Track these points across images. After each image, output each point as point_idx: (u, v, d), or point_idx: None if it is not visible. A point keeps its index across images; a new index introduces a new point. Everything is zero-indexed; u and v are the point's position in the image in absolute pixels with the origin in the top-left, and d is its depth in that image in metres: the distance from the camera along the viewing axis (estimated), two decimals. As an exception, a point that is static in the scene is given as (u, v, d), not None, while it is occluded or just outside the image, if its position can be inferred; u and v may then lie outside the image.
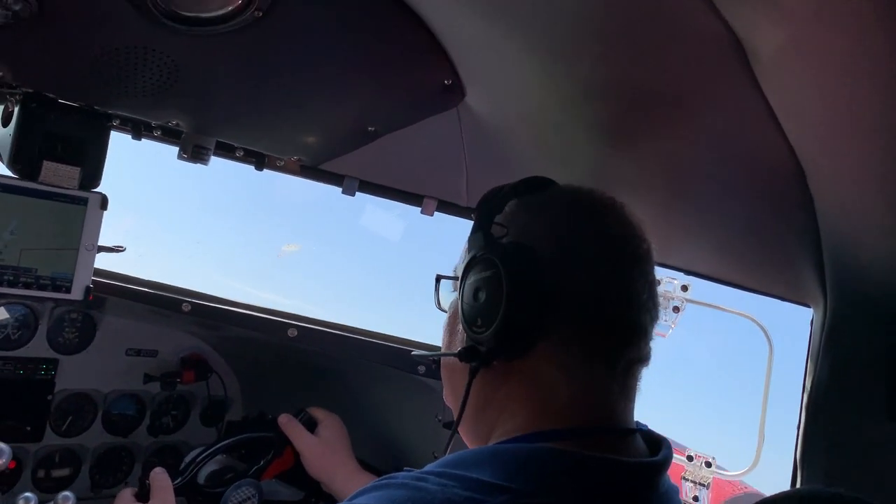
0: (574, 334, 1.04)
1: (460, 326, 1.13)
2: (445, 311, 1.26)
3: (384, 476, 1.01)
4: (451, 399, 1.22)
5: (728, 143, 1.32)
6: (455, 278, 1.19)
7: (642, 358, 1.09)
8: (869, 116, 1.07)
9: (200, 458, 1.97)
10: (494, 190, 1.15)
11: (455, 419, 1.14)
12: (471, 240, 1.11)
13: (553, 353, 1.04)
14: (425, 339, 2.32)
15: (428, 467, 1.03)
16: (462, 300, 1.09)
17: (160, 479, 1.82)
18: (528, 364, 1.05)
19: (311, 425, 2.08)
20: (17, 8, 1.21)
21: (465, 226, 2.12)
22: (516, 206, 1.13)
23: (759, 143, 1.26)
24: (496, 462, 0.97)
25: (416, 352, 1.40)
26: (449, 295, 1.25)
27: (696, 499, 1.84)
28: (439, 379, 2.14)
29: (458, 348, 1.13)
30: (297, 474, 2.10)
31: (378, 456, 2.20)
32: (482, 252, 1.07)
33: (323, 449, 2.02)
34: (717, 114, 1.27)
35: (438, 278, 1.26)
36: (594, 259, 1.07)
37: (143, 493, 1.80)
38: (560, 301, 1.03)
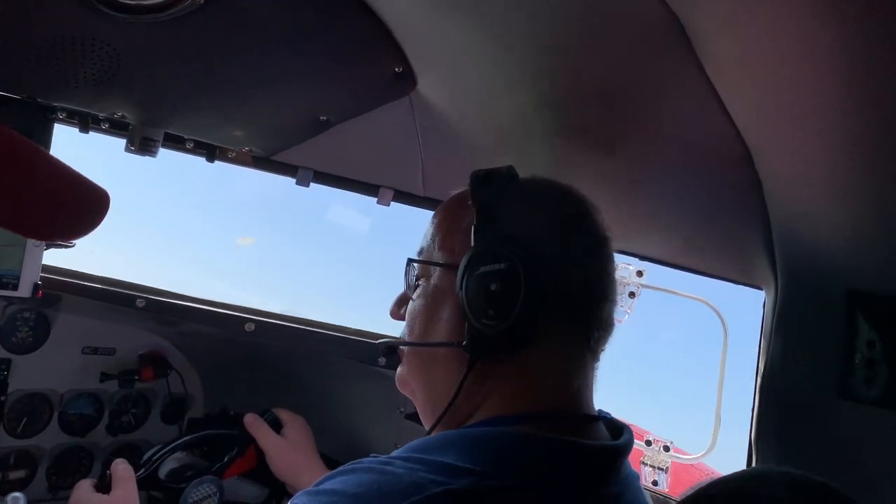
0: (570, 328, 1.09)
1: (444, 315, 1.14)
2: (405, 297, 1.24)
3: (350, 462, 1.01)
4: (417, 387, 1.21)
5: (676, 129, 1.33)
6: (444, 265, 1.16)
7: (604, 349, 1.14)
8: (811, 96, 1.08)
9: (162, 452, 1.95)
10: (487, 177, 1.15)
11: (425, 410, 1.15)
12: (477, 230, 1.09)
13: (549, 345, 1.07)
14: (381, 329, 2.31)
15: (394, 453, 1.03)
16: (466, 291, 1.07)
17: (122, 469, 1.78)
18: (524, 356, 1.06)
19: (276, 426, 2.06)
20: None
21: (421, 214, 2.12)
22: (512, 196, 1.13)
23: (706, 128, 1.27)
24: (462, 445, 0.98)
25: (382, 341, 1.37)
26: (413, 280, 1.23)
27: (655, 483, 1.86)
28: (400, 370, 2.14)
29: (443, 336, 1.13)
30: (260, 474, 2.08)
31: (341, 449, 2.18)
32: (493, 245, 1.07)
33: (289, 449, 2.00)
34: (665, 100, 1.28)
35: (411, 262, 1.23)
36: (585, 256, 1.11)
37: (104, 485, 1.75)
38: (561, 296, 1.06)
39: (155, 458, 1.93)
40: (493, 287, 1.04)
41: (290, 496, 2.07)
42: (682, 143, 1.38)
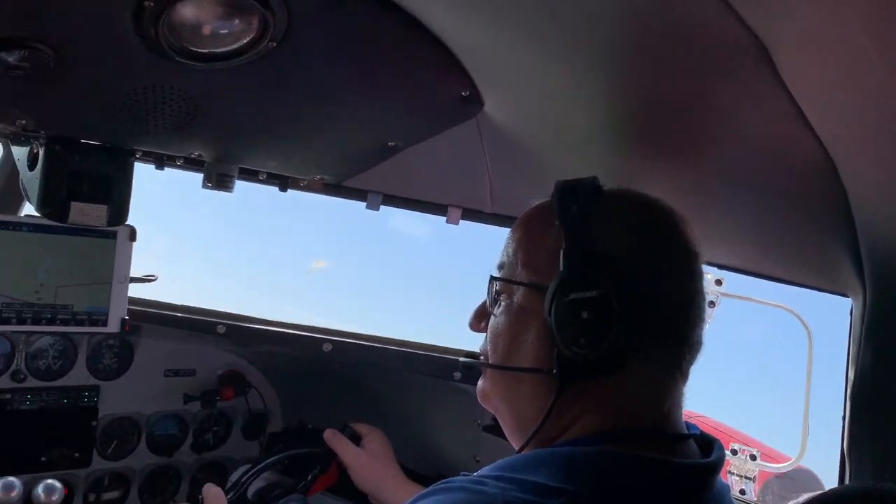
0: (660, 351, 1.06)
1: (529, 336, 1.11)
2: (487, 312, 1.21)
3: (441, 481, 1.02)
4: (501, 406, 1.19)
5: (755, 141, 1.30)
6: (527, 285, 1.13)
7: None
8: (894, 103, 1.04)
9: (249, 474, 1.99)
10: (572, 191, 1.10)
11: (512, 430, 1.14)
12: (566, 254, 1.06)
13: (639, 368, 1.04)
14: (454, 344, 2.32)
15: (483, 471, 1.04)
16: (554, 316, 1.04)
17: (214, 492, 1.82)
18: (612, 381, 1.04)
19: (355, 439, 2.08)
20: (34, 58, 1.22)
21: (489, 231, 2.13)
22: (601, 213, 1.08)
23: (787, 139, 1.23)
24: (552, 465, 0.98)
25: (464, 360, 1.34)
26: (494, 297, 1.20)
27: (742, 492, 1.83)
28: (476, 384, 2.15)
29: (528, 358, 1.11)
30: (343, 488, 2.11)
31: (420, 463, 2.21)
32: (583, 268, 1.04)
33: (370, 461, 2.02)
34: (742, 113, 1.25)
35: (494, 280, 1.19)
36: (680, 275, 1.08)
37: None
38: (652, 317, 1.03)
39: (244, 479, 1.98)
40: (584, 315, 1.01)
41: None
42: (760, 154, 1.35)
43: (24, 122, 1.47)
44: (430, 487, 1.02)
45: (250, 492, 2.02)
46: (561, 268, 1.05)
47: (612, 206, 1.10)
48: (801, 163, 1.28)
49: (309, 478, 2.05)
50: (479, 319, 1.24)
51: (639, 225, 1.10)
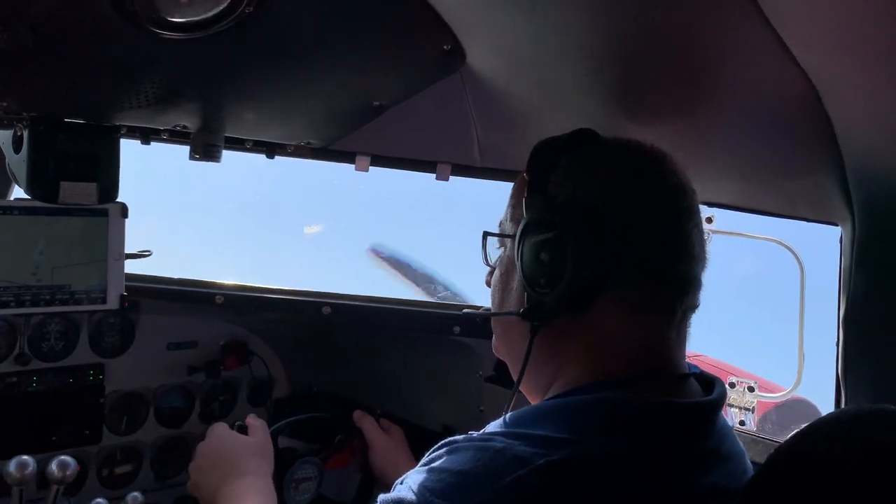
0: (634, 288, 1.07)
1: (514, 284, 1.15)
2: (492, 267, 1.26)
3: (446, 440, 1.04)
4: (504, 352, 1.25)
5: (741, 76, 1.30)
6: (508, 236, 1.18)
7: (695, 305, 1.12)
8: (875, 31, 1.04)
9: (287, 421, 2.03)
10: (544, 147, 1.14)
11: (516, 377, 1.15)
12: (528, 200, 1.10)
13: (614, 307, 1.06)
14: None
15: (490, 427, 1.07)
16: (521, 260, 1.09)
17: (258, 421, 1.89)
18: (589, 319, 1.06)
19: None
20: (12, 38, 1.20)
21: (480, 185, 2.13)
22: (569, 161, 1.11)
23: (772, 73, 1.23)
24: (557, 417, 1.01)
25: (467, 309, 1.38)
26: (495, 251, 1.26)
27: (742, 423, 1.88)
28: (476, 336, 2.18)
29: (513, 305, 1.15)
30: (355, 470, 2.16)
31: (426, 418, 2.25)
32: (542, 213, 1.07)
33: (390, 444, 2.09)
34: (727, 49, 1.25)
35: (485, 235, 1.25)
36: (654, 213, 1.08)
37: (241, 432, 1.85)
38: (622, 256, 1.04)
39: (281, 424, 2.01)
40: (542, 257, 1.05)
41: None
42: (746, 90, 1.35)
43: (5, 104, 1.46)
44: (438, 447, 1.04)
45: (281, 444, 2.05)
46: (524, 215, 1.09)
47: (587, 155, 1.13)
48: (786, 96, 1.29)
49: (336, 442, 2.08)
50: (490, 275, 1.28)
51: (611, 169, 1.12)
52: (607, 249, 1.03)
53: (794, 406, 3.46)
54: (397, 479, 1.95)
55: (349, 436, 2.11)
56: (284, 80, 1.54)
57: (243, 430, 1.88)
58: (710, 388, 1.12)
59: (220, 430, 1.83)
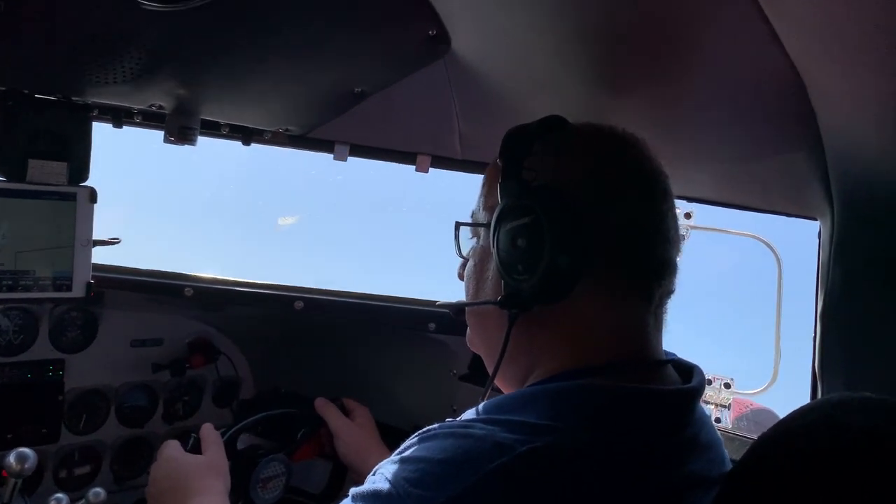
0: (612, 273, 1.06)
1: (489, 273, 1.14)
2: (465, 259, 1.25)
3: (423, 429, 1.01)
4: (480, 345, 1.23)
5: (726, 64, 1.30)
6: (480, 225, 1.18)
7: (671, 290, 1.12)
8: (865, 26, 1.05)
9: (243, 424, 1.96)
10: (517, 132, 1.13)
11: (493, 366, 1.13)
12: (502, 187, 1.09)
13: (592, 293, 1.05)
14: (432, 296, 2.32)
15: (468, 414, 1.05)
16: (497, 248, 1.07)
17: (211, 432, 1.81)
18: (566, 306, 1.05)
19: (343, 412, 2.09)
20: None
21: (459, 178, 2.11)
22: (543, 147, 1.10)
23: (758, 61, 1.24)
24: (538, 403, 0.99)
25: (441, 301, 1.37)
26: (467, 242, 1.24)
27: (717, 420, 1.88)
28: (450, 334, 2.15)
29: (489, 295, 1.14)
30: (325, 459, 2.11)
31: (397, 417, 2.21)
32: (518, 198, 1.06)
33: (357, 431, 2.04)
34: (714, 35, 1.25)
35: (458, 225, 1.24)
36: (629, 196, 1.08)
37: (195, 447, 1.78)
38: (598, 241, 1.04)
39: (235, 428, 1.94)
40: (519, 242, 1.03)
41: (347, 488, 2.10)
42: (730, 78, 1.35)
43: (-28, 77, 1.41)
44: (414, 436, 1.01)
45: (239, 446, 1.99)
46: (499, 201, 1.08)
47: (560, 140, 1.13)
48: (771, 85, 1.29)
49: (299, 436, 2.03)
50: (463, 267, 1.27)
51: (586, 153, 1.12)
52: (586, 232, 1.02)
53: (758, 417, 3.50)
54: (366, 462, 1.93)
55: (313, 427, 2.06)
56: (265, 59, 1.51)
57: (198, 442, 1.82)
58: (689, 375, 1.12)
59: (170, 451, 1.74)
